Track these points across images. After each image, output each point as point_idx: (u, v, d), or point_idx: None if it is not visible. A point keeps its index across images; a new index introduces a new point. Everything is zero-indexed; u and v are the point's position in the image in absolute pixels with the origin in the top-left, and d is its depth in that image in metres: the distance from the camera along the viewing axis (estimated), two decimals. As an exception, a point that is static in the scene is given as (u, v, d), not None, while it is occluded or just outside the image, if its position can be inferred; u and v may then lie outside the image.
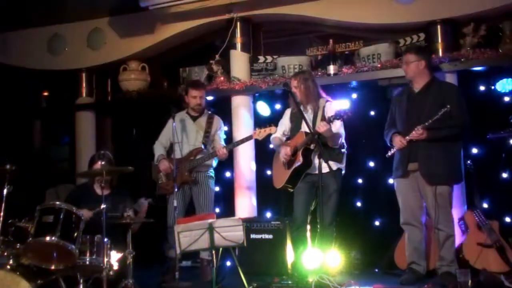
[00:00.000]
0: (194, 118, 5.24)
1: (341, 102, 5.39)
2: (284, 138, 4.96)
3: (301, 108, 4.66)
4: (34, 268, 3.96)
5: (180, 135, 5.22)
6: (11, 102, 6.83)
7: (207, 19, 5.80)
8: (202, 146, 5.17)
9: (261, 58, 5.85)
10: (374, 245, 5.48)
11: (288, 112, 4.99)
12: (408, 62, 4.56)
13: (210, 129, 5.27)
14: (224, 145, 5.23)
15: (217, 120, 5.39)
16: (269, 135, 4.95)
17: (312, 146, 4.57)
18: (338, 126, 4.56)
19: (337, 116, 4.32)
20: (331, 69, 5.42)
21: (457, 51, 5.09)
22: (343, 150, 4.73)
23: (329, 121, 4.36)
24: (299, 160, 4.58)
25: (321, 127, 4.38)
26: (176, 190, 4.95)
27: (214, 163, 5.28)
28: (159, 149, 5.34)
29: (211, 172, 5.30)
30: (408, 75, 4.61)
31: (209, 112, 5.39)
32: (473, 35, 5.07)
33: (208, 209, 5.13)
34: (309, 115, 4.67)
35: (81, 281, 4.05)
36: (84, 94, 6.59)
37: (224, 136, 5.41)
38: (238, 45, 5.81)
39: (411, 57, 4.55)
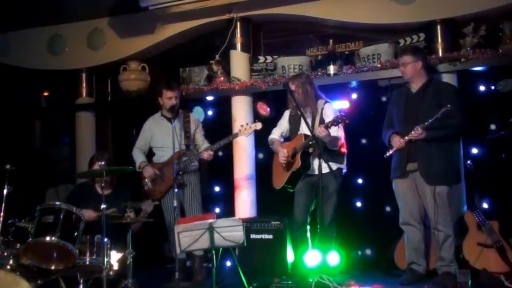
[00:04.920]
0: (171, 120, 4.96)
1: (340, 103, 5.41)
2: (282, 140, 4.97)
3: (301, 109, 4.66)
4: (34, 268, 3.96)
5: (159, 139, 5.18)
6: (11, 102, 6.83)
7: (207, 19, 5.80)
8: (185, 148, 5.10)
9: (261, 58, 5.84)
10: (374, 245, 5.49)
11: (286, 114, 4.99)
12: (405, 63, 4.56)
13: (189, 128, 5.19)
14: (208, 144, 5.17)
15: (194, 118, 5.34)
16: (255, 131, 4.95)
17: (310, 150, 4.56)
18: (336, 129, 4.56)
19: (335, 122, 4.32)
20: (331, 69, 5.42)
21: (457, 51, 5.09)
22: (343, 150, 4.74)
23: (327, 126, 4.36)
24: (298, 163, 4.58)
25: (320, 132, 4.38)
26: (164, 194, 5.03)
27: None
28: (139, 155, 5.25)
29: (196, 169, 5.22)
30: (406, 76, 4.61)
31: (184, 111, 5.29)
32: (473, 35, 5.06)
33: (198, 208, 5.11)
34: (308, 118, 4.66)
35: (81, 281, 4.06)
36: (84, 94, 6.59)
37: (203, 132, 5.34)
38: (238, 45, 5.80)
39: (408, 58, 4.55)
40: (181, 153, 5.04)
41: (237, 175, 5.72)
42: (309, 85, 4.77)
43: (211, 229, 3.98)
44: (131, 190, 5.01)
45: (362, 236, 5.48)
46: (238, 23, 5.76)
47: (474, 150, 5.27)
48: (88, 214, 4.38)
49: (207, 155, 5.03)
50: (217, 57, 5.84)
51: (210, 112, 6.21)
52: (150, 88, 6.23)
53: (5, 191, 4.14)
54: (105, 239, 4.04)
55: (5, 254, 3.95)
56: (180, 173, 4.97)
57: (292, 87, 4.72)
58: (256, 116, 5.77)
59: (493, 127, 5.20)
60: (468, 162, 4.87)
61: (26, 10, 6.00)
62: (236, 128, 5.28)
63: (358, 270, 5.10)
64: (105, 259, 4.00)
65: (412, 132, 4.36)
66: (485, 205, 4.99)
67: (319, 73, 5.45)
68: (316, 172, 4.37)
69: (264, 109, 5.84)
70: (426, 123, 4.30)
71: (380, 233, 5.40)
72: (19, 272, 3.79)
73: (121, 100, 6.41)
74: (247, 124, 5.01)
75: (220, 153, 6.05)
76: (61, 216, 3.94)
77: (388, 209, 5.45)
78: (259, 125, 4.96)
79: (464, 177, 4.82)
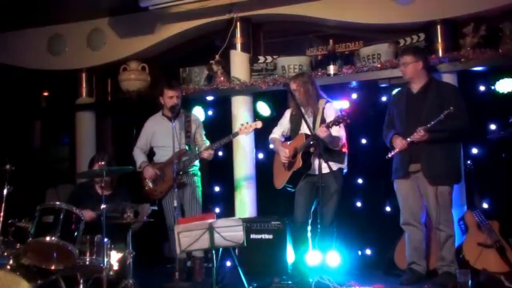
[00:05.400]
0: (172, 120, 4.93)
1: (341, 103, 5.41)
2: (283, 139, 4.97)
3: (302, 109, 4.67)
4: (34, 268, 3.96)
5: (160, 138, 5.18)
6: (11, 102, 6.83)
7: (207, 19, 5.80)
8: (186, 147, 5.10)
9: (261, 58, 5.84)
10: (374, 245, 5.49)
11: (287, 113, 4.99)
12: (405, 64, 4.55)
13: (190, 128, 5.19)
14: (209, 144, 5.17)
15: (195, 118, 5.35)
16: (256, 129, 4.97)
17: (311, 149, 4.56)
18: (337, 129, 4.55)
19: (336, 121, 4.31)
20: (331, 69, 5.41)
21: (457, 51, 5.08)
22: (344, 150, 4.73)
23: (328, 126, 4.35)
24: (299, 163, 4.58)
25: (321, 132, 4.38)
26: (165, 194, 5.05)
27: (197, 161, 5.21)
28: (139, 155, 5.25)
29: (196, 171, 5.23)
30: (406, 76, 4.60)
31: (185, 111, 5.31)
32: (473, 35, 5.06)
33: (198, 209, 5.11)
34: (309, 118, 4.67)
35: (81, 281, 4.06)
36: (84, 94, 6.58)
37: (204, 132, 5.36)
38: (238, 45, 5.80)
39: (409, 58, 4.54)
40: (181, 152, 5.04)
41: (237, 175, 5.72)
42: (310, 84, 4.77)
43: (211, 229, 3.97)
44: (131, 190, 5.02)
45: (362, 236, 5.48)
46: (238, 23, 5.76)
47: (474, 150, 5.26)
48: (88, 215, 4.38)
49: (207, 154, 5.03)
50: (217, 57, 5.84)
51: (210, 112, 6.20)
52: (150, 88, 6.23)
53: (5, 191, 4.14)
54: (105, 239, 4.04)
55: (5, 254, 3.95)
56: (181, 173, 4.97)
57: (293, 86, 4.72)
58: (256, 116, 5.77)
59: (493, 127, 5.20)
60: (468, 162, 4.87)
61: (26, 10, 6.00)
62: (236, 127, 5.28)
63: (358, 270, 5.10)
64: (105, 259, 4.00)
65: (415, 134, 4.34)
66: (485, 205, 4.98)
67: (319, 73, 5.45)
68: (317, 172, 4.37)
69: (264, 109, 5.83)
70: (429, 125, 4.28)
71: (380, 233, 5.41)
72: (19, 272, 3.80)
73: (121, 100, 6.41)
74: (247, 123, 5.01)
75: (220, 153, 6.06)
76: (61, 216, 3.94)
77: (388, 209, 5.45)
78: (259, 124, 4.97)
79: (464, 177, 4.82)
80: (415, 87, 4.58)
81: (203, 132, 5.34)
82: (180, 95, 5.22)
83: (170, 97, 5.11)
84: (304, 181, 4.71)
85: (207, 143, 5.23)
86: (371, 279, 4.69)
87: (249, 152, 5.73)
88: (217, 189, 6.22)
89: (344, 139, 4.71)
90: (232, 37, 5.78)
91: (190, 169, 5.14)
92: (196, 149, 5.24)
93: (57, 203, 4.12)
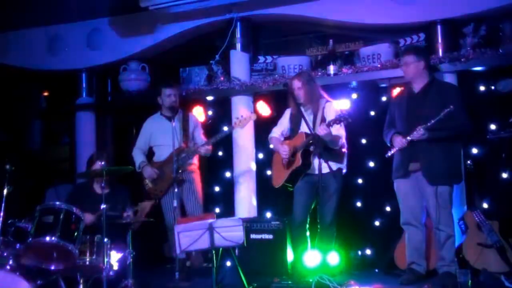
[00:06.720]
0: (170, 119, 5.02)
1: (341, 102, 5.41)
2: (282, 138, 4.97)
3: (302, 109, 4.67)
4: (34, 268, 3.96)
5: (159, 137, 5.21)
6: (11, 102, 6.83)
7: (207, 19, 5.81)
8: (184, 146, 5.13)
9: (261, 58, 5.85)
10: (374, 245, 5.49)
11: (287, 113, 4.99)
12: (407, 63, 4.54)
13: (188, 127, 5.23)
14: (206, 140, 5.20)
15: (193, 117, 5.39)
16: (255, 123, 5.05)
17: (311, 148, 4.56)
18: (338, 128, 4.55)
19: (337, 120, 4.31)
20: (331, 69, 5.41)
21: (457, 51, 5.09)
22: (343, 150, 4.73)
23: (329, 125, 4.35)
24: (298, 161, 4.58)
25: (321, 130, 4.38)
26: (165, 193, 5.06)
27: (195, 158, 5.24)
28: (139, 155, 5.29)
29: (195, 168, 5.25)
30: (408, 76, 4.60)
31: (183, 110, 5.34)
32: (473, 35, 5.06)
33: (198, 206, 5.13)
34: (308, 116, 4.67)
35: (81, 281, 4.06)
36: (84, 94, 6.59)
37: (202, 131, 5.39)
38: (238, 45, 5.80)
39: (410, 58, 4.53)
40: (180, 150, 5.06)
41: (237, 174, 5.72)
42: (314, 82, 4.79)
43: (211, 229, 3.98)
44: (130, 189, 5.02)
45: (362, 236, 5.48)
46: (238, 23, 5.76)
47: (474, 150, 5.26)
48: (89, 219, 4.37)
49: (204, 150, 5.06)
50: (217, 57, 5.84)
51: (210, 112, 6.21)
52: (150, 88, 6.24)
53: (5, 191, 4.14)
54: (105, 239, 4.04)
55: (5, 254, 3.96)
56: (180, 171, 4.98)
57: (298, 84, 4.71)
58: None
59: (493, 127, 5.20)
60: (468, 162, 4.87)
61: (26, 10, 6.00)
62: (239, 129, 5.28)
63: (358, 270, 5.10)
64: (105, 259, 4.00)
65: (414, 133, 4.34)
66: (485, 205, 4.98)
67: (319, 73, 5.45)
68: (317, 172, 4.37)
69: (264, 109, 5.83)
70: (429, 124, 4.28)
71: (380, 233, 5.41)
72: (19, 272, 3.80)
73: (121, 100, 6.42)
74: (242, 116, 5.03)
75: (220, 153, 6.07)
76: (61, 216, 3.95)
77: (388, 209, 5.45)
78: (253, 116, 5.02)
79: (464, 177, 4.82)
80: (416, 87, 4.57)
81: (201, 131, 5.38)
82: (178, 93, 5.25)
83: (168, 95, 5.16)
84: (303, 181, 4.71)
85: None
86: (371, 279, 4.69)
87: (249, 151, 5.72)
88: (217, 189, 6.22)
89: (344, 139, 4.71)
90: (232, 37, 5.78)
91: (189, 166, 5.15)
92: (194, 146, 5.25)
93: (57, 203, 4.13)
